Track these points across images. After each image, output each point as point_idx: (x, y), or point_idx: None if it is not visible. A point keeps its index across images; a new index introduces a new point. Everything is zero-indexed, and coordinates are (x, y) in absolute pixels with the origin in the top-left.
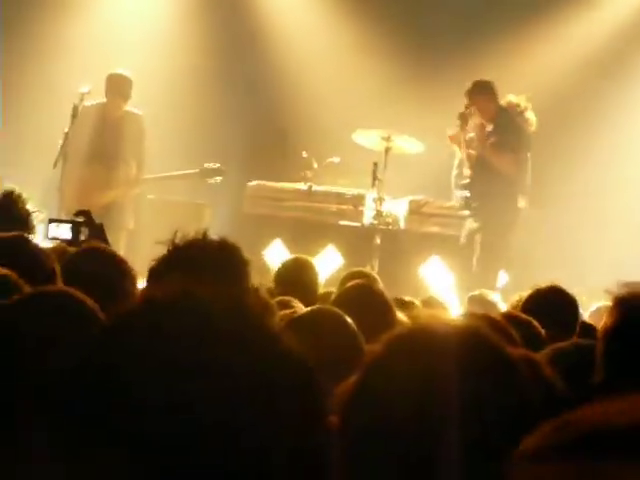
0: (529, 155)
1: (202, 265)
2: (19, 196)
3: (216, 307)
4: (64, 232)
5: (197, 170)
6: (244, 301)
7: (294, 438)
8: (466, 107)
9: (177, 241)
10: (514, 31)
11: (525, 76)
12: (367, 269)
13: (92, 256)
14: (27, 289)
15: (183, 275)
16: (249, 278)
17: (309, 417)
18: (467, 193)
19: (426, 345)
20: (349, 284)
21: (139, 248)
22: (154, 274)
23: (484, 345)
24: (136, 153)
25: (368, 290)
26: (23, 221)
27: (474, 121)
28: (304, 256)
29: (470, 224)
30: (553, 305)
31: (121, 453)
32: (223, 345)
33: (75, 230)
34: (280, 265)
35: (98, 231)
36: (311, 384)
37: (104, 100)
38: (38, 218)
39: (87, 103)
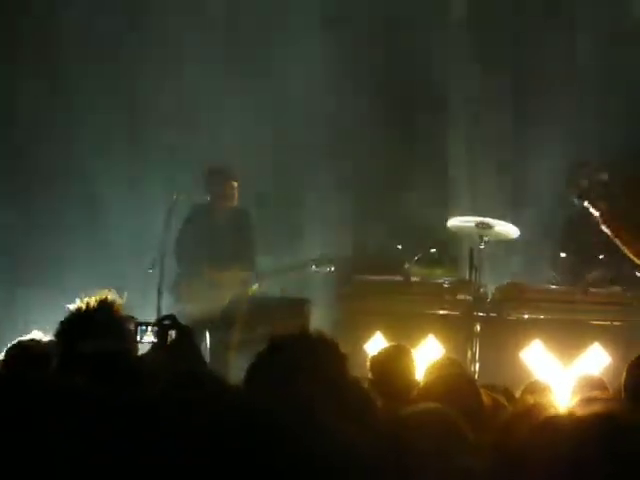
0: None
1: (299, 362)
2: (113, 302)
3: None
4: (151, 335)
5: (311, 259)
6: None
7: None
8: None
9: (276, 338)
10: None
11: None
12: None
13: None
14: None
15: (281, 372)
16: (347, 372)
17: None
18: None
19: (570, 432)
20: (436, 373)
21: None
22: (253, 370)
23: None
24: (247, 250)
25: (453, 377)
26: (118, 329)
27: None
28: (400, 344)
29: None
30: None
31: None
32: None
33: (162, 333)
34: (376, 353)
35: (186, 334)
36: None
37: (207, 199)
38: (132, 324)
39: (195, 201)
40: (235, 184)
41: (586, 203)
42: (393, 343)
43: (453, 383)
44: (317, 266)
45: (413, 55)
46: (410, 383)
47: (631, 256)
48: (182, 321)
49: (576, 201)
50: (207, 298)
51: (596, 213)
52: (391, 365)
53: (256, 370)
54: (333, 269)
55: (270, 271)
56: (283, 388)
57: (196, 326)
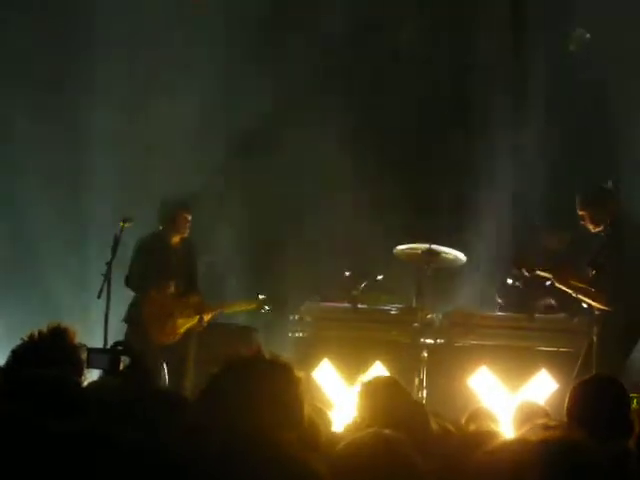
0: None
1: (254, 383)
2: (65, 330)
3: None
4: (103, 362)
5: (255, 302)
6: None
7: None
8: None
9: (231, 359)
10: None
11: None
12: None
13: None
14: None
15: (235, 392)
16: (300, 395)
17: None
18: None
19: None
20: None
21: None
22: (211, 389)
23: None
24: (197, 279)
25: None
26: (70, 356)
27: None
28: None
29: None
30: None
31: None
32: None
33: (114, 360)
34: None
35: (138, 360)
36: None
37: (160, 228)
38: (84, 352)
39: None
40: (189, 216)
41: (537, 273)
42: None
43: (402, 409)
44: (262, 306)
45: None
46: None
47: (590, 302)
48: (139, 345)
49: (527, 273)
50: (163, 324)
51: (548, 275)
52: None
53: (210, 391)
54: (270, 309)
55: (218, 305)
56: (236, 410)
57: (153, 353)
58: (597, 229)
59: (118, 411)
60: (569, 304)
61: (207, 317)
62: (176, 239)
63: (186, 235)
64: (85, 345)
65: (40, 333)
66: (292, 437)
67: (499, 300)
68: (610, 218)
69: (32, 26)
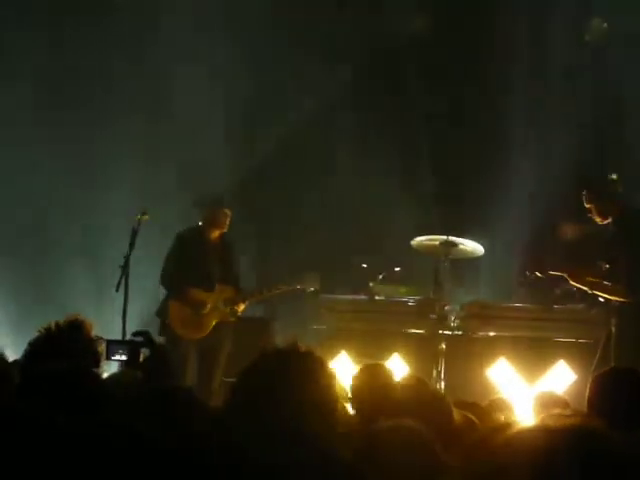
0: None
1: (289, 374)
2: (83, 323)
3: None
4: (122, 353)
5: (297, 286)
6: None
7: None
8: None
9: (266, 350)
10: None
11: None
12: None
13: None
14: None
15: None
16: (335, 388)
17: None
18: None
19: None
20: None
21: None
22: (244, 382)
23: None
24: (232, 272)
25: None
26: (87, 349)
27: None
28: (379, 362)
29: None
30: None
31: None
32: None
33: (133, 351)
34: (356, 372)
35: (159, 351)
36: None
37: (199, 224)
38: (102, 345)
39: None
40: (228, 212)
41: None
42: (372, 362)
43: (426, 401)
44: (303, 286)
45: None
46: (387, 401)
47: (607, 296)
48: (168, 338)
49: (541, 275)
50: (192, 320)
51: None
52: (369, 384)
53: (244, 384)
54: (318, 288)
55: (254, 292)
56: (272, 403)
57: (182, 347)
58: (605, 221)
59: (135, 406)
60: (588, 294)
61: (240, 308)
62: (215, 234)
63: (225, 230)
64: (102, 337)
65: (57, 325)
66: (326, 430)
67: (518, 291)
68: (618, 209)
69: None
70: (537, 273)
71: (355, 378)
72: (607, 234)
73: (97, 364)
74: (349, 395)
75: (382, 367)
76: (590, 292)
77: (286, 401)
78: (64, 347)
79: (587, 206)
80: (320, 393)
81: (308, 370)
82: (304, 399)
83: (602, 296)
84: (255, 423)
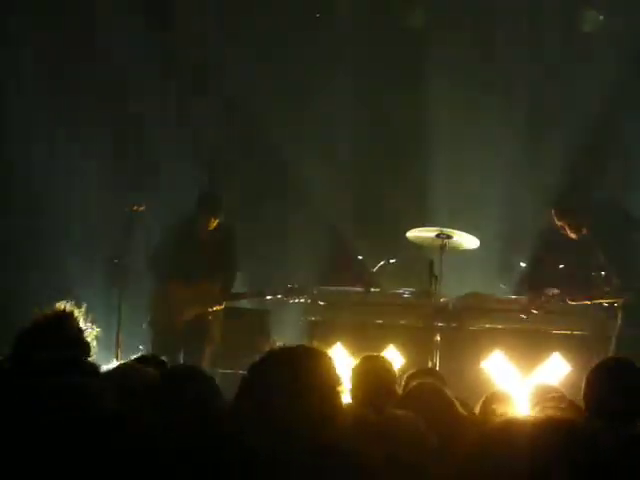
0: None
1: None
2: (70, 314)
3: None
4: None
5: (282, 292)
6: None
7: None
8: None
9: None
10: None
11: None
12: (430, 367)
13: None
14: None
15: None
16: (340, 385)
17: None
18: None
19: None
20: (414, 383)
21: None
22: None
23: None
24: (224, 267)
25: (432, 389)
26: (75, 340)
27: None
28: (380, 354)
29: None
30: None
31: None
32: None
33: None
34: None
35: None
36: None
37: (192, 216)
38: (91, 335)
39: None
40: (217, 220)
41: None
42: (373, 353)
43: (429, 393)
44: (286, 297)
45: None
46: (388, 392)
47: (608, 301)
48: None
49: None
50: (182, 311)
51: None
52: (370, 375)
53: (252, 381)
54: (302, 300)
55: (240, 295)
56: (281, 398)
57: (170, 339)
58: (579, 234)
59: (137, 396)
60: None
61: (218, 308)
62: (213, 224)
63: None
64: (91, 327)
65: (45, 316)
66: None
67: (506, 284)
68: (588, 221)
69: None
70: (537, 302)
71: (356, 369)
72: (585, 244)
73: (87, 354)
74: (349, 386)
75: (383, 358)
76: (591, 303)
77: (295, 398)
78: (50, 338)
79: (559, 224)
80: (327, 389)
81: (317, 367)
82: (312, 395)
83: (603, 302)
84: (265, 420)
